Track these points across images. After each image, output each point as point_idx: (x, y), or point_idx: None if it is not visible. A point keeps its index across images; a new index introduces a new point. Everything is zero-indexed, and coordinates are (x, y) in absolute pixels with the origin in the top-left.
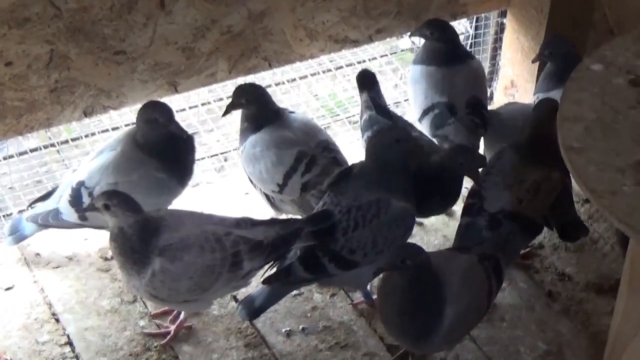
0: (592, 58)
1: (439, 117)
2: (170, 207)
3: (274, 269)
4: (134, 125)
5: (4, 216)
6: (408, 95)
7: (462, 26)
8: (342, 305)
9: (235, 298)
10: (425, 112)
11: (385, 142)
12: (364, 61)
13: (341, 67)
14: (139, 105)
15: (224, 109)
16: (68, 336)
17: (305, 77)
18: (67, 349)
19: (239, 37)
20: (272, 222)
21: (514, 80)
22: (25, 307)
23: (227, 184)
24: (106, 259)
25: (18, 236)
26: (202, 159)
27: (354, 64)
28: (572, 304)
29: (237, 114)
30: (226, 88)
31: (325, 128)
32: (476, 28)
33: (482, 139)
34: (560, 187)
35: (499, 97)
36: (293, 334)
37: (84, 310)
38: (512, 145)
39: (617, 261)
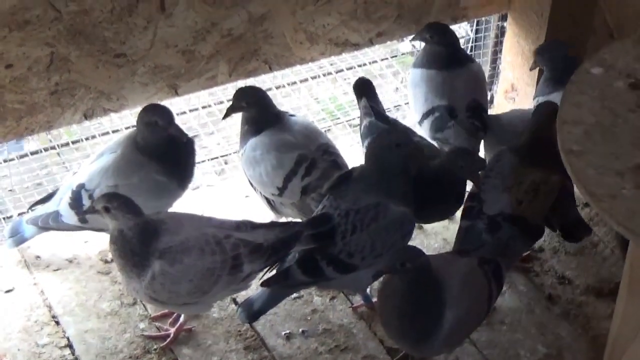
0: (592, 61)
1: (439, 120)
2: (170, 210)
3: (273, 272)
4: (135, 128)
5: (4, 219)
6: (408, 98)
7: (462, 30)
8: (342, 308)
9: (235, 301)
10: (425, 115)
11: (385, 145)
12: (364, 64)
13: (342, 71)
14: (139, 108)
15: (225, 111)
16: (68, 339)
17: (306, 80)
18: (67, 351)
19: (239, 40)
20: (272, 225)
21: (514, 83)
22: (25, 310)
23: (228, 187)
24: (106, 262)
25: (18, 238)
26: (203, 161)
27: (355, 67)
28: (572, 307)
29: (237, 117)
30: (227, 91)
31: (325, 131)
32: (477, 31)
33: (482, 142)
34: (558, 188)
35: (499, 100)
36: (293, 336)
37: (84, 312)
38: (511, 148)
39: (617, 265)
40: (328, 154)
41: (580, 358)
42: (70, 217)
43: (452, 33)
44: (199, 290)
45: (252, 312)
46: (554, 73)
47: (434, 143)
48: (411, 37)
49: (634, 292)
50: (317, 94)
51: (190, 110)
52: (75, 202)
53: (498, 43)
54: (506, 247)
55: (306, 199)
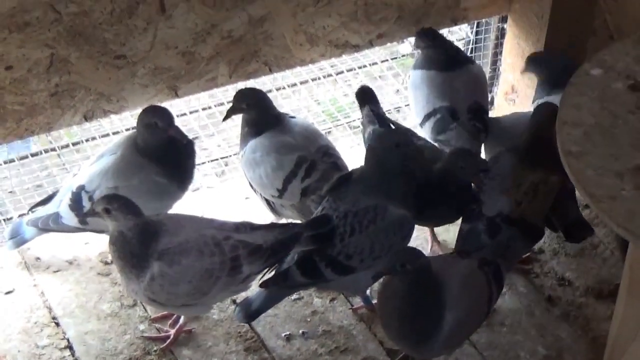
0: (591, 63)
1: (441, 122)
2: (170, 212)
3: (272, 273)
4: (135, 130)
5: (4, 220)
6: (409, 100)
7: (463, 31)
8: (341, 310)
9: (234, 302)
10: (426, 117)
11: (385, 147)
12: (364, 66)
13: (342, 72)
14: (139, 110)
15: (225, 113)
16: (68, 340)
17: (306, 82)
18: (67, 352)
19: (239, 42)
20: (271, 226)
21: (514, 85)
22: (26, 311)
23: (228, 189)
24: (106, 263)
25: (18, 240)
26: (203, 163)
27: (355, 69)
28: (571, 309)
29: (238, 119)
30: (227, 93)
31: (326, 133)
32: (477, 33)
33: (482, 145)
34: (558, 189)
35: (500, 102)
36: (293, 338)
37: (84, 314)
38: (510, 149)
39: (617, 266)
40: (328, 155)
41: (580, 359)
42: (70, 218)
43: (441, 36)
44: (197, 291)
45: (250, 312)
46: (550, 79)
47: (436, 145)
48: (412, 38)
49: (633, 294)
50: (317, 96)
51: (191, 112)
52: (75, 203)
53: (498, 45)
54: (506, 248)
55: (306, 201)
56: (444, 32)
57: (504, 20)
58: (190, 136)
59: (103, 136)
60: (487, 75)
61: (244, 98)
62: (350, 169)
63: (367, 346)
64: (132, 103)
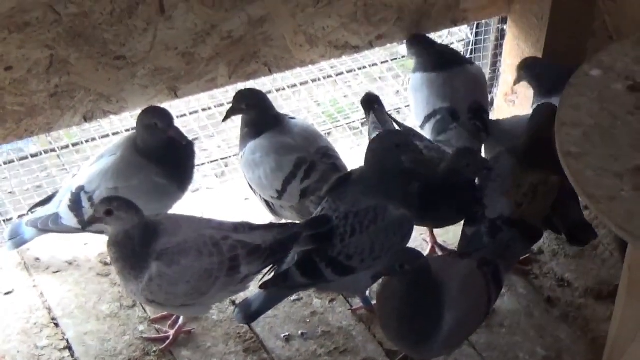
0: (590, 64)
1: (441, 123)
2: (169, 212)
3: (272, 274)
4: (134, 131)
5: (4, 221)
6: (409, 103)
7: (462, 32)
8: (341, 311)
9: (234, 303)
10: (427, 119)
11: (385, 147)
12: (364, 67)
13: (342, 74)
14: (139, 111)
15: (225, 114)
16: (67, 341)
17: (306, 83)
18: (67, 353)
19: (239, 43)
20: (270, 226)
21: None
22: (25, 312)
23: (227, 190)
24: (106, 264)
25: (18, 241)
26: (203, 164)
27: (355, 70)
28: (571, 310)
29: (238, 120)
30: (227, 93)
31: (326, 134)
32: (477, 34)
33: (482, 145)
34: (557, 189)
35: (499, 103)
36: (292, 339)
37: (83, 314)
38: (510, 150)
39: (617, 267)
40: (327, 156)
41: None
42: (69, 219)
43: (427, 39)
44: (196, 291)
45: (250, 313)
46: (542, 85)
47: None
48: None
49: (632, 295)
50: (317, 97)
51: (190, 113)
52: (75, 204)
53: (498, 46)
54: (506, 248)
55: (305, 202)
56: (444, 33)
57: (503, 21)
58: (190, 137)
59: (103, 137)
60: (487, 77)
61: (244, 99)
62: (349, 169)
63: (367, 347)
64: (132, 104)
